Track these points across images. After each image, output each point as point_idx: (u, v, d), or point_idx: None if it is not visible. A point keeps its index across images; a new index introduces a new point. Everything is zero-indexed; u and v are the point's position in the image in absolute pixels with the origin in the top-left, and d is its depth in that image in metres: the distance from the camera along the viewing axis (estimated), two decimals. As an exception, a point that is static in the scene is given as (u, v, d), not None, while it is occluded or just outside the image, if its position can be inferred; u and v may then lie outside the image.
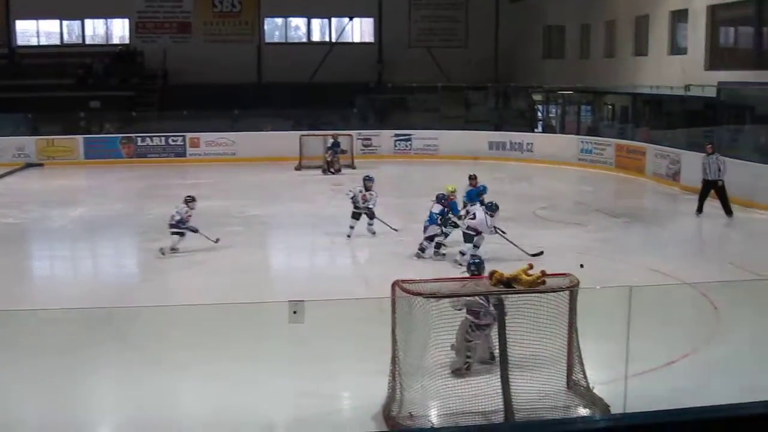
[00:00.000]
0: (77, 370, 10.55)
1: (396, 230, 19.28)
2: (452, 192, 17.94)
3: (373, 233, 18.94)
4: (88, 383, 10.39)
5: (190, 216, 17.64)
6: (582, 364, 9.40)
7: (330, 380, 10.37)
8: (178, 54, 41.48)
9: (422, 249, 16.86)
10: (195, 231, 17.54)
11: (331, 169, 30.54)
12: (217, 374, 10.42)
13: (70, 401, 9.95)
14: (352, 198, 19.02)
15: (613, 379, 9.22)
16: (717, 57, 28.93)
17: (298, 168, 31.39)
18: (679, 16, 30.81)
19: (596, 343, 9.65)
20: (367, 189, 19.19)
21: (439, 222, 16.97)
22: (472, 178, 20.16)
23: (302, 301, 8.13)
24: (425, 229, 17.04)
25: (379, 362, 9.35)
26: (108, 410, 10.10)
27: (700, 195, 22.15)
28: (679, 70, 29.35)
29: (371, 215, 19.05)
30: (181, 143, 34.62)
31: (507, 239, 16.90)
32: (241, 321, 11.39)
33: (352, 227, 18.86)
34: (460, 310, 9.70)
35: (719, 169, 21.71)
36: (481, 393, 8.95)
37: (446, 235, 17.22)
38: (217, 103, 34.96)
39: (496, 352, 9.64)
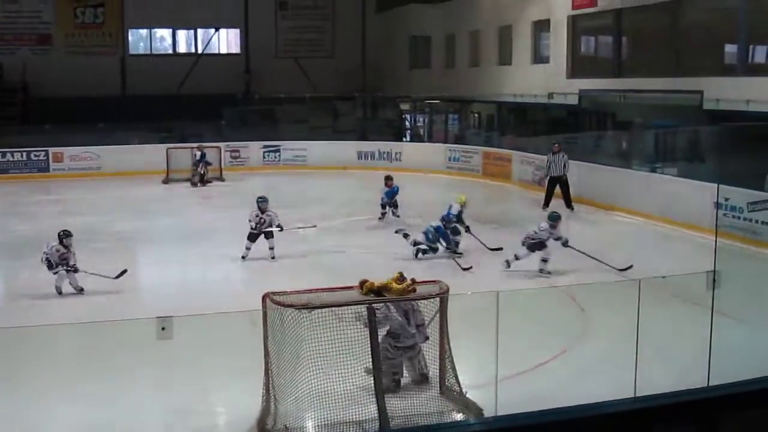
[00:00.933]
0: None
1: (314, 226, 19.82)
2: (464, 203, 18.38)
3: (273, 258, 17.98)
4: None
5: (65, 255, 15.64)
6: (454, 370, 9.50)
7: (203, 396, 10.23)
8: (39, 66, 40.39)
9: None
10: (74, 271, 15.62)
11: (200, 182, 30.12)
12: (88, 394, 10.16)
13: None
14: (250, 221, 18.18)
15: (485, 383, 9.32)
16: (578, 66, 29.75)
17: (166, 181, 30.86)
18: (542, 26, 31.56)
19: (468, 348, 9.75)
20: (263, 211, 18.26)
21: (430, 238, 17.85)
22: (388, 179, 21.39)
23: (171, 317, 7.96)
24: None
25: (252, 376, 9.24)
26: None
27: (546, 191, 24.45)
28: (542, 78, 30.05)
29: (270, 236, 18.12)
30: (44, 158, 33.56)
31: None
32: (110, 339, 11.12)
33: (248, 248, 18.08)
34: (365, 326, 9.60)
35: (564, 166, 23.96)
36: (356, 402, 8.94)
37: (434, 250, 17.89)
38: (81, 116, 34.00)
39: (430, 372, 9.66)
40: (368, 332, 8.88)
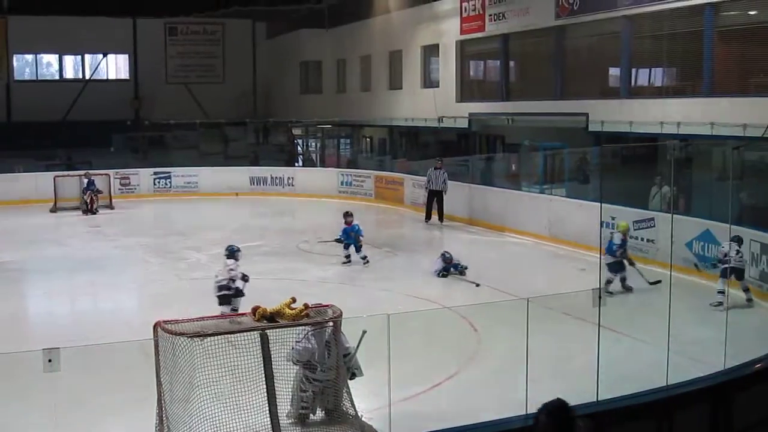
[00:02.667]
0: None
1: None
2: (626, 230, 17.13)
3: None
4: None
5: None
6: (350, 393, 9.51)
7: (96, 428, 10.01)
8: None
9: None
10: None
11: (89, 210, 29.53)
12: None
13: None
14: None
15: (381, 406, 9.36)
16: (467, 89, 30.24)
17: (54, 210, 30.17)
18: (431, 51, 31.98)
19: (364, 371, 9.77)
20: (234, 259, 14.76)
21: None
22: (348, 215, 20.19)
23: (57, 348, 7.78)
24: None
25: (146, 406, 9.09)
26: None
27: (427, 204, 26.33)
28: (432, 102, 30.41)
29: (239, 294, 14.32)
30: (-75, 187, 32.49)
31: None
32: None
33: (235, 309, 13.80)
34: (296, 363, 9.50)
35: (443, 182, 25.86)
36: (251, 429, 8.87)
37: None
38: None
39: (344, 406, 9.54)
40: (262, 359, 8.83)
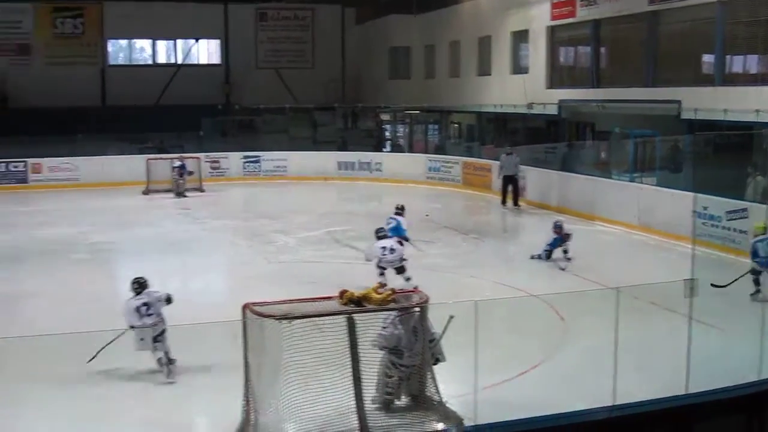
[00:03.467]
0: None
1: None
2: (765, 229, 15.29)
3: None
4: None
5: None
6: (434, 379, 9.49)
7: (183, 407, 10.19)
8: (18, 77, 40.31)
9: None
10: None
11: (179, 193, 30.03)
12: (66, 404, 10.11)
13: None
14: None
15: (466, 393, 9.33)
16: (557, 76, 29.93)
17: (146, 192, 30.75)
18: (521, 37, 31.73)
19: (448, 357, 9.75)
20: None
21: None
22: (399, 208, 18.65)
23: (150, 327, 7.95)
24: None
25: (233, 387, 9.22)
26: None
27: (502, 189, 26.76)
28: (521, 88, 30.17)
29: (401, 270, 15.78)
30: (23, 169, 33.41)
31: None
32: (88, 350, 11.06)
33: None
34: (382, 349, 9.47)
35: (515, 166, 26.44)
36: (336, 413, 8.92)
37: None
38: (60, 127, 33.92)
39: (428, 391, 9.56)
40: (349, 343, 8.87)
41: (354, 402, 8.88)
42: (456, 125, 38.39)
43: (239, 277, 17.80)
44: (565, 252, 17.98)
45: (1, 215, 26.30)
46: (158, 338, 11.06)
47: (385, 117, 40.84)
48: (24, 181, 33.21)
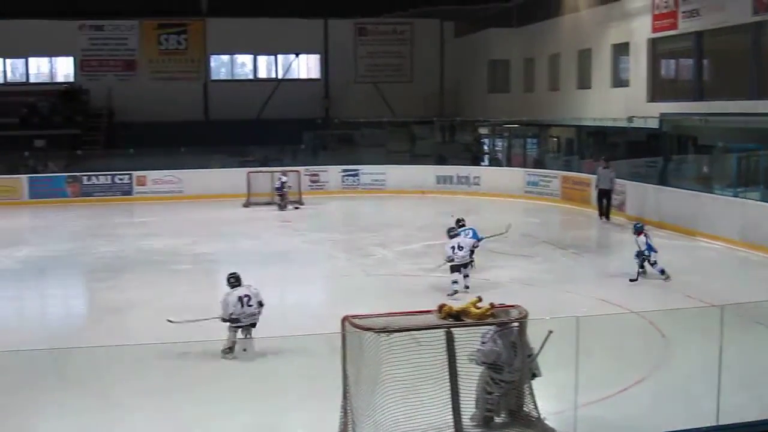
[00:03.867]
0: (21, 412, 10.39)
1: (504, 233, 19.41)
2: None
3: (467, 288, 16.50)
4: (34, 424, 10.21)
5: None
6: (533, 395, 9.44)
7: (281, 417, 10.30)
8: (123, 91, 41.30)
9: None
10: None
11: (283, 206, 30.49)
12: (167, 412, 10.33)
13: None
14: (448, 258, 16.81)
15: (564, 409, 9.26)
16: (658, 89, 29.45)
17: (247, 205, 31.26)
18: (621, 50, 31.32)
19: (547, 373, 9.68)
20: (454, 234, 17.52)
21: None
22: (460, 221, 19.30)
23: (252, 338, 8.08)
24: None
25: (330, 398, 9.30)
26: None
27: (597, 203, 26.91)
28: (622, 102, 29.80)
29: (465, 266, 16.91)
30: (128, 181, 34.35)
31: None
32: (190, 359, 11.30)
33: (455, 282, 16.55)
34: (480, 364, 9.45)
35: (611, 180, 26.36)
36: (433, 427, 8.93)
37: None
38: (164, 140, 34.71)
39: (527, 408, 9.55)
40: (447, 358, 8.87)
41: (452, 417, 8.89)
42: (555, 139, 38.06)
43: (338, 289, 17.96)
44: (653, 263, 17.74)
45: (108, 227, 27.06)
46: (252, 327, 12.46)
47: (483, 131, 40.73)
48: (129, 193, 34.11)
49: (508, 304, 9.63)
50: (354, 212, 30.83)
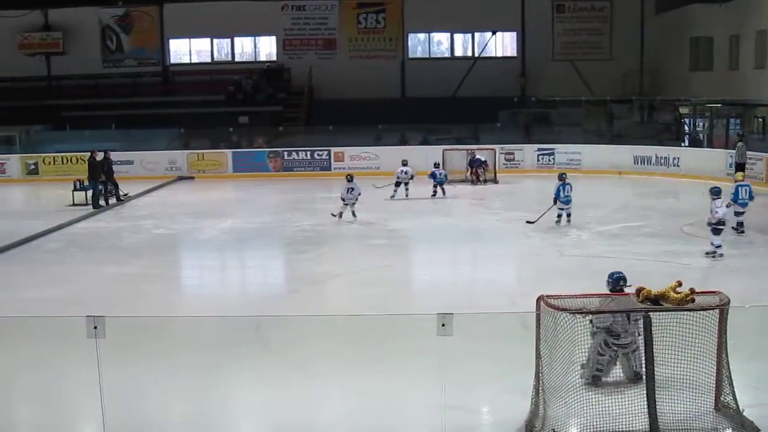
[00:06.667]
0: (222, 375, 10.93)
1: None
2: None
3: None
4: (231, 387, 10.70)
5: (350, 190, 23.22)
6: (732, 386, 9.16)
7: (473, 394, 10.38)
8: (323, 70, 42.42)
9: None
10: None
11: (474, 183, 30.70)
12: (361, 383, 10.60)
13: (213, 404, 10.25)
14: None
15: (765, 402, 8.97)
16: None
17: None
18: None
19: (746, 364, 9.38)
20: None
21: None
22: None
23: (451, 314, 8.19)
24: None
25: (521, 377, 9.34)
26: (247, 415, 10.33)
27: None
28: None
29: None
30: (326, 157, 35.29)
31: None
32: (385, 332, 11.53)
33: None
34: (596, 330, 9.67)
35: (741, 155, 27.21)
36: (627, 412, 8.82)
37: None
38: (361, 117, 35.41)
39: (642, 371, 9.48)
40: (644, 342, 8.75)
41: (645, 402, 8.75)
42: (760, 119, 36.49)
43: (531, 268, 17.87)
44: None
45: (306, 201, 27.90)
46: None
47: (684, 110, 39.45)
48: (327, 168, 35.05)
49: (708, 290, 9.38)
50: (548, 192, 30.47)
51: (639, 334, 9.40)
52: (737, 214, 20.32)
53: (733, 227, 20.12)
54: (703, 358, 9.12)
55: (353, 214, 23.28)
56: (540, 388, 9.07)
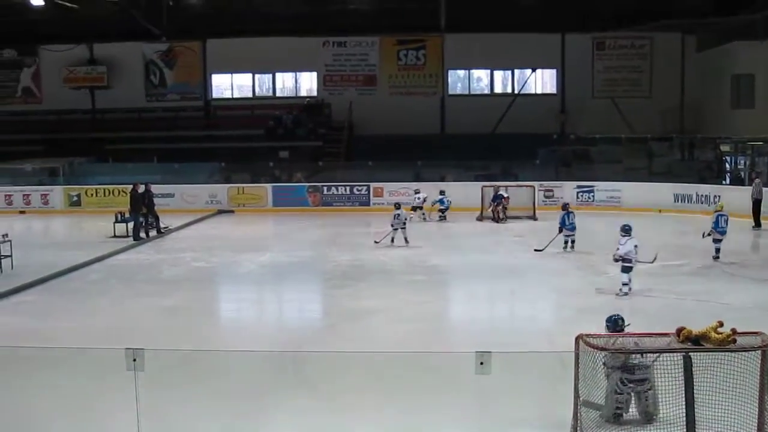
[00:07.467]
0: (258, 410, 10.93)
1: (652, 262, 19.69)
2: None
3: None
4: (267, 422, 10.70)
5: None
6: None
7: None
8: (363, 106, 42.71)
9: None
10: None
11: (497, 219, 30.74)
12: (397, 420, 10.55)
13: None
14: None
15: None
16: None
17: (480, 219, 31.54)
18: None
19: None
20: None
21: None
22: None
23: (489, 352, 8.17)
24: None
25: (559, 416, 9.28)
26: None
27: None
28: None
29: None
30: (365, 192, 35.42)
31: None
32: (423, 369, 11.51)
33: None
34: (609, 371, 9.62)
35: (759, 192, 27.82)
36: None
37: None
38: (401, 153, 35.56)
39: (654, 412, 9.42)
40: (683, 382, 8.66)
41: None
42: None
43: (568, 306, 17.75)
44: None
45: (345, 235, 27.98)
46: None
47: (725, 148, 39.16)
48: (366, 203, 35.17)
49: (750, 330, 9.28)
50: (588, 229, 30.36)
51: (654, 370, 9.43)
52: (716, 241, 22.03)
53: (713, 256, 22.05)
54: (745, 399, 9.01)
55: (405, 240, 25.18)
56: (578, 428, 9.01)
